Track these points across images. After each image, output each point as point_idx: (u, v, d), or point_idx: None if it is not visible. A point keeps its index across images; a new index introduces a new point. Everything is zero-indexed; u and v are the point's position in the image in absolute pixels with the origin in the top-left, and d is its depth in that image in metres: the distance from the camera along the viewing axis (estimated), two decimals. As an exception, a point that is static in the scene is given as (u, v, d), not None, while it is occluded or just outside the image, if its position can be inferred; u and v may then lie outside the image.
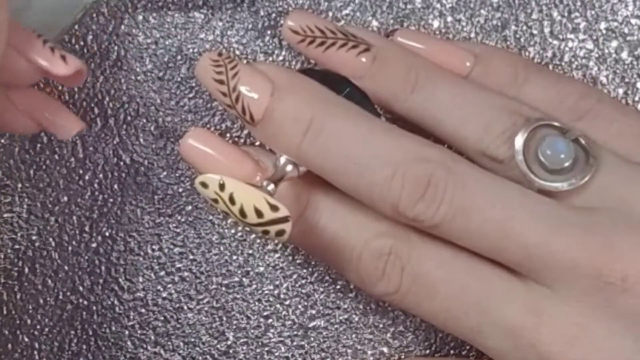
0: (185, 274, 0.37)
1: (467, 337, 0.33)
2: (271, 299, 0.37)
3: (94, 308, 0.37)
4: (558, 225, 0.31)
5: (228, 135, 0.37)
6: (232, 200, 0.32)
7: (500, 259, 0.32)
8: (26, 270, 0.37)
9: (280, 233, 0.32)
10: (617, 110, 0.35)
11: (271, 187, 0.32)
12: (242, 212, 0.32)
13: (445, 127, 0.34)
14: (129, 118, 0.37)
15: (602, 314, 0.31)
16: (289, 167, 0.33)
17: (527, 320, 0.31)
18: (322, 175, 0.33)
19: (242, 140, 0.37)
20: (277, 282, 0.37)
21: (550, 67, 0.37)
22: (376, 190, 0.32)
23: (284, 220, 0.32)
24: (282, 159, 0.33)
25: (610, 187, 0.32)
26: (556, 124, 0.33)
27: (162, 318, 0.37)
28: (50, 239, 0.37)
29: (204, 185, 0.32)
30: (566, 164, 0.32)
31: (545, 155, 0.32)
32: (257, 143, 0.37)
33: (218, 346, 0.37)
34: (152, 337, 0.37)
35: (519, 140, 0.32)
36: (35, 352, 0.37)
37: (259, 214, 0.32)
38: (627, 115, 0.35)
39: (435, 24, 0.37)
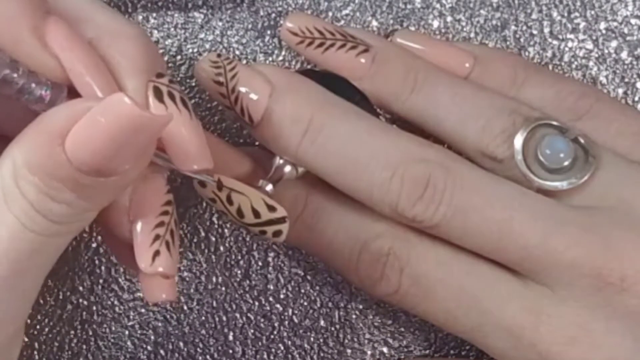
0: (185, 274, 0.37)
1: (468, 336, 0.33)
2: (271, 299, 0.37)
3: (94, 308, 0.37)
4: (557, 225, 0.31)
5: (227, 135, 0.37)
6: (229, 199, 0.32)
7: (500, 258, 0.32)
8: (26, 270, 0.37)
9: (277, 234, 0.32)
10: (616, 109, 0.35)
11: (269, 187, 0.32)
12: (240, 212, 0.32)
13: (444, 127, 0.34)
14: (129, 118, 0.37)
15: (601, 314, 0.31)
16: (288, 168, 0.33)
17: (527, 320, 0.31)
18: (320, 175, 0.33)
19: (241, 140, 0.37)
20: (277, 282, 0.37)
21: (550, 67, 0.37)
22: (375, 190, 0.32)
23: (281, 220, 0.32)
24: (281, 160, 0.33)
25: (610, 186, 0.32)
26: (555, 123, 0.33)
27: (162, 318, 0.37)
28: (50, 239, 0.37)
29: (202, 184, 0.32)
30: (565, 163, 0.32)
31: (544, 155, 0.32)
32: (257, 143, 0.37)
33: (218, 346, 0.37)
34: (152, 337, 0.37)
35: (519, 140, 0.32)
36: (35, 352, 0.37)
37: (256, 214, 0.32)
38: (626, 114, 0.35)
39: (435, 24, 0.37)
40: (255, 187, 0.32)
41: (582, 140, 0.32)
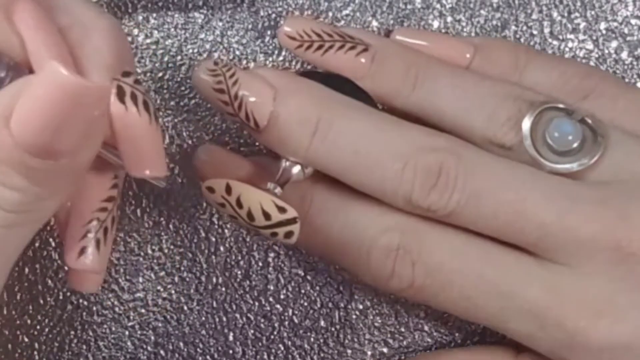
0: (185, 274, 0.37)
1: (489, 322, 0.32)
2: (271, 299, 0.37)
3: (94, 308, 0.37)
4: (572, 201, 0.31)
5: (227, 135, 0.37)
6: (239, 203, 0.32)
7: (516, 240, 0.31)
8: (26, 270, 0.37)
9: (289, 235, 0.32)
10: (621, 87, 0.35)
11: (278, 189, 0.32)
12: (250, 215, 0.32)
13: (450, 119, 0.34)
14: (129, 118, 0.37)
15: (624, 286, 0.31)
16: (296, 170, 0.33)
17: (551, 300, 0.31)
18: (332, 174, 0.33)
19: (242, 141, 0.37)
20: (277, 282, 0.37)
21: (550, 67, 0.37)
22: (388, 183, 0.32)
23: (292, 221, 0.32)
24: (287, 162, 0.33)
25: (621, 163, 0.32)
26: (561, 105, 0.33)
27: (162, 318, 0.37)
28: (50, 239, 0.37)
29: (211, 190, 0.32)
30: (575, 145, 0.32)
31: (553, 138, 0.32)
32: (257, 143, 0.37)
33: (218, 347, 0.37)
34: (152, 338, 0.37)
35: (526, 125, 0.32)
36: (35, 352, 0.37)
37: (266, 216, 0.31)
38: (631, 92, 0.35)
39: (435, 24, 0.37)
40: (264, 189, 0.32)
41: (589, 121, 0.32)
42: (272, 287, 0.37)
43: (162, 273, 0.37)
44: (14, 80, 0.27)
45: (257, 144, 0.37)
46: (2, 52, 0.27)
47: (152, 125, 0.28)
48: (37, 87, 0.25)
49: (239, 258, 0.37)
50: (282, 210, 0.31)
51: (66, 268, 0.37)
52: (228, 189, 0.32)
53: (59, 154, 0.25)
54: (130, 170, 0.28)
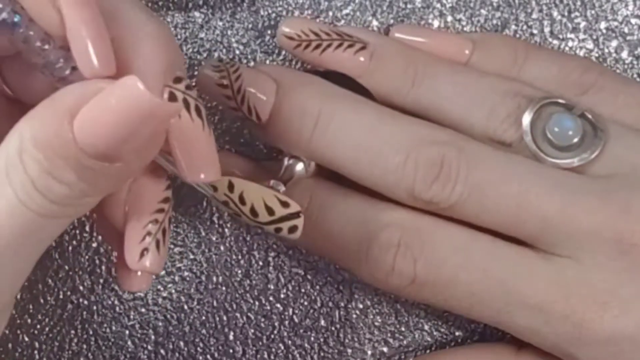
0: (186, 273, 0.37)
1: (494, 319, 0.32)
2: (271, 298, 0.37)
3: (95, 307, 0.37)
4: (574, 194, 0.31)
5: (228, 135, 0.37)
6: (242, 200, 0.32)
7: (519, 234, 0.31)
8: (27, 269, 0.37)
9: (293, 229, 0.32)
10: (620, 82, 0.35)
11: (281, 187, 0.32)
12: (253, 211, 0.32)
13: (450, 116, 0.34)
14: (129, 118, 0.37)
15: (628, 277, 0.31)
16: (299, 167, 0.33)
17: (556, 294, 0.31)
18: (333, 167, 0.33)
19: (242, 140, 0.37)
20: (277, 282, 0.37)
21: (551, 66, 0.37)
22: (390, 176, 0.32)
23: (295, 215, 0.32)
24: (290, 160, 0.33)
25: (622, 157, 0.32)
26: (561, 100, 0.33)
27: (163, 318, 0.37)
28: (51, 239, 0.37)
29: (213, 188, 0.32)
30: (575, 140, 0.32)
31: (553, 133, 0.32)
32: (257, 143, 0.37)
33: (218, 346, 0.37)
34: (152, 337, 0.37)
35: (526, 121, 0.32)
36: (36, 352, 0.37)
37: (270, 211, 0.32)
38: (630, 86, 0.35)
39: (436, 23, 0.37)
40: (267, 186, 0.32)
41: (589, 116, 0.32)
42: (272, 287, 0.37)
43: (162, 272, 0.37)
44: (78, 79, 0.27)
45: (257, 144, 0.37)
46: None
47: (205, 131, 0.28)
48: (110, 96, 0.25)
49: (239, 257, 0.37)
50: (285, 204, 0.31)
51: (66, 268, 0.37)
52: (230, 186, 0.32)
53: (117, 159, 0.26)
54: (185, 175, 0.28)
